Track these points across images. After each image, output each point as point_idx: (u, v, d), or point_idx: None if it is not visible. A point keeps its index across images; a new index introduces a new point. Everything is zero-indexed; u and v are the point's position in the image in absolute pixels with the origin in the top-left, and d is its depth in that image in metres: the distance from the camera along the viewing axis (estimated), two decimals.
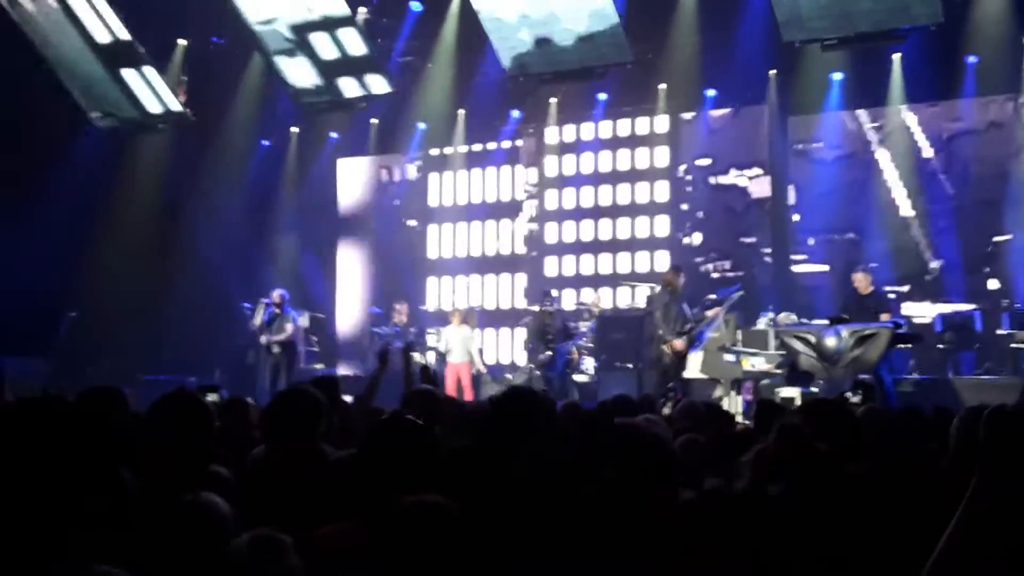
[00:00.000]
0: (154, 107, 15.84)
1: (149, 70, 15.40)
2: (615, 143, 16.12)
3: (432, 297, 17.20)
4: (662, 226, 15.69)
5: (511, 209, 17.00)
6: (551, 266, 16.44)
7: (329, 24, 14.49)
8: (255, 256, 16.63)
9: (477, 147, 17.12)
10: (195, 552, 2.18)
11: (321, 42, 14.73)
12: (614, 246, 16.06)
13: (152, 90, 15.63)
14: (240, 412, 4.89)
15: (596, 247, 16.19)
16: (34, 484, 2.31)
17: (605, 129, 16.20)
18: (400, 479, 2.56)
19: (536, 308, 13.28)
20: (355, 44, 14.64)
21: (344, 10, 14.25)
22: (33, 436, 2.35)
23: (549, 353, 12.01)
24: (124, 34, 14.95)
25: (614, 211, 16.12)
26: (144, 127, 16.25)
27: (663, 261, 14.87)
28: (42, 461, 2.33)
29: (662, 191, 15.74)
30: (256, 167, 17.29)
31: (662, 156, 15.81)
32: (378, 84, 15.06)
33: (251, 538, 2.03)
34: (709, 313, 10.80)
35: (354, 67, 14.94)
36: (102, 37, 15.08)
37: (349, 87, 15.20)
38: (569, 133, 16.49)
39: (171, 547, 2.15)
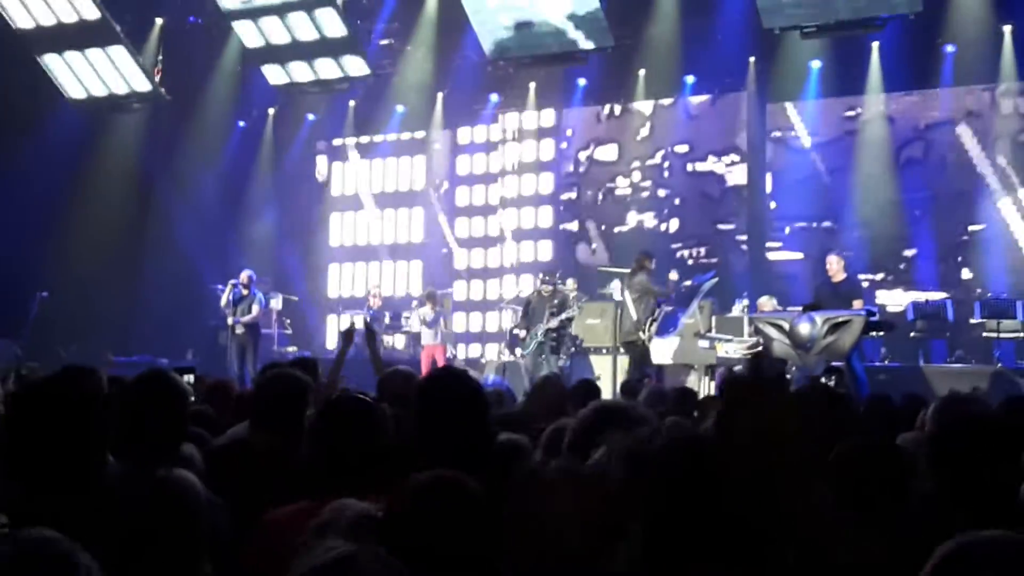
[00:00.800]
0: (129, 86, 15.64)
1: (125, 49, 15.19)
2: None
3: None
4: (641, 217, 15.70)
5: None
6: (526, 251, 16.38)
7: (308, 5, 14.33)
8: (229, 237, 16.50)
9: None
10: (167, 528, 2.16)
11: (299, 22, 14.56)
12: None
13: (130, 68, 15.41)
14: (223, 394, 4.93)
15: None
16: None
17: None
18: (345, 459, 2.57)
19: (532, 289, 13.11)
20: (335, 25, 14.47)
21: None
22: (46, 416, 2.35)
23: (522, 333, 11.78)
24: (99, 12, 14.73)
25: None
26: (119, 106, 16.05)
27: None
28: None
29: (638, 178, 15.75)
30: (232, 148, 17.14)
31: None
32: (357, 66, 14.92)
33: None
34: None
35: (333, 48, 14.79)
36: (79, 15, 14.85)
37: (327, 69, 15.05)
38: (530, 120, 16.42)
39: (143, 523, 2.13)
